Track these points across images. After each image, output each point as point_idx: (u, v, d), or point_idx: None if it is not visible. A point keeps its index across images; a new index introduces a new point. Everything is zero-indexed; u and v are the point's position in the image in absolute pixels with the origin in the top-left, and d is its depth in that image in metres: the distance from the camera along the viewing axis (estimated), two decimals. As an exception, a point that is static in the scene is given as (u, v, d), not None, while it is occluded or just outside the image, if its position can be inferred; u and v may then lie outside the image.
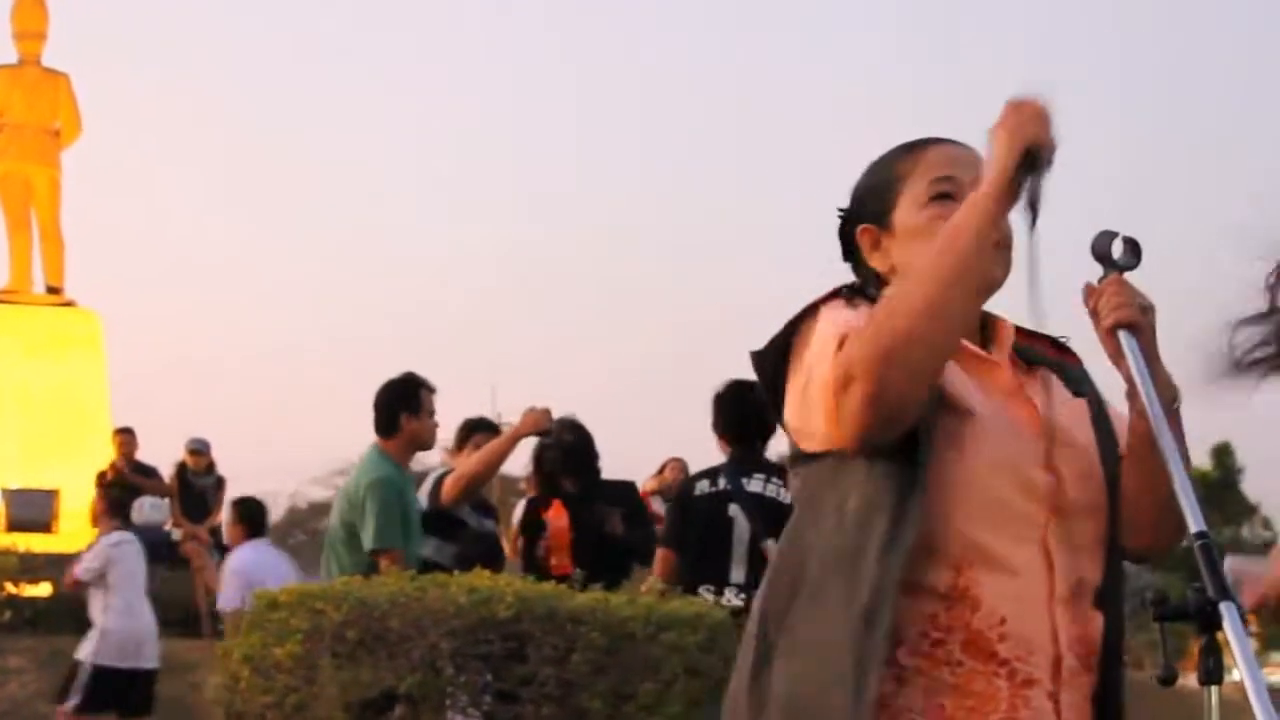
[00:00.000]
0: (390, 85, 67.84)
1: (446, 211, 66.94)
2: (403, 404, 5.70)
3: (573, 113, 68.89)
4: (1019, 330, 2.15)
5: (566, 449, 6.41)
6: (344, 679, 4.77)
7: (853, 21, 69.58)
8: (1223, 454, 39.43)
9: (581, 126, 67.71)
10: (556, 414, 6.15)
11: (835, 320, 1.98)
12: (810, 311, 2.04)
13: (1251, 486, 39.84)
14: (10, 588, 11.57)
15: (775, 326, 2.06)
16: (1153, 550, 2.07)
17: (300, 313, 64.45)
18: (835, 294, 2.07)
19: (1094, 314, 1.94)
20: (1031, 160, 1.86)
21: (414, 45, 70.22)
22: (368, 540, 5.54)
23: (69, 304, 16.40)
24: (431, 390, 5.81)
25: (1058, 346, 2.15)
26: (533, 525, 6.52)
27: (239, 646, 5.20)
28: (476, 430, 6.62)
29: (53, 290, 16.39)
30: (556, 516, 6.39)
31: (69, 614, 11.39)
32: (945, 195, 2.05)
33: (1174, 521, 1.94)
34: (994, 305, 2.08)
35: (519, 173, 65.35)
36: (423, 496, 6.10)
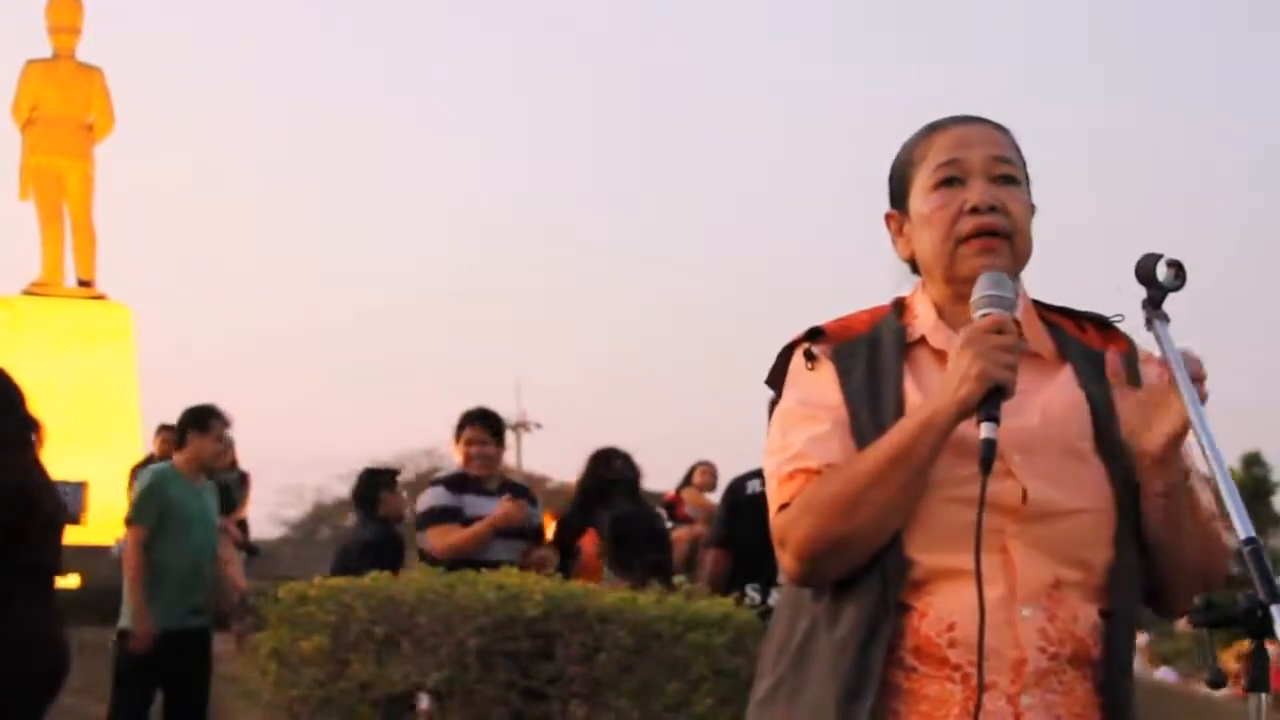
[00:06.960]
0: (411, 98, 68.18)
1: (478, 213, 67.14)
2: (193, 425, 6.74)
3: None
4: (1063, 311, 2.12)
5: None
6: (371, 674, 4.76)
7: (807, 42, 69.65)
8: (1253, 463, 39.18)
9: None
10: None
11: (786, 421, 2.02)
12: (789, 351, 2.09)
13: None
14: (38, 579, 11.63)
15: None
16: (1173, 606, 2.03)
17: (328, 309, 64.75)
18: (807, 336, 2.08)
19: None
20: (995, 394, 1.84)
21: (441, 66, 70.54)
22: (129, 512, 6.54)
23: (100, 297, 16.48)
24: (225, 422, 6.81)
25: (1102, 326, 2.11)
26: (566, 549, 6.70)
27: (267, 640, 5.21)
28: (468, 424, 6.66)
29: (84, 284, 16.48)
30: (589, 544, 6.55)
31: (96, 606, 11.44)
32: (949, 180, 2.04)
33: (1185, 585, 1.95)
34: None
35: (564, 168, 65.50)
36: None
